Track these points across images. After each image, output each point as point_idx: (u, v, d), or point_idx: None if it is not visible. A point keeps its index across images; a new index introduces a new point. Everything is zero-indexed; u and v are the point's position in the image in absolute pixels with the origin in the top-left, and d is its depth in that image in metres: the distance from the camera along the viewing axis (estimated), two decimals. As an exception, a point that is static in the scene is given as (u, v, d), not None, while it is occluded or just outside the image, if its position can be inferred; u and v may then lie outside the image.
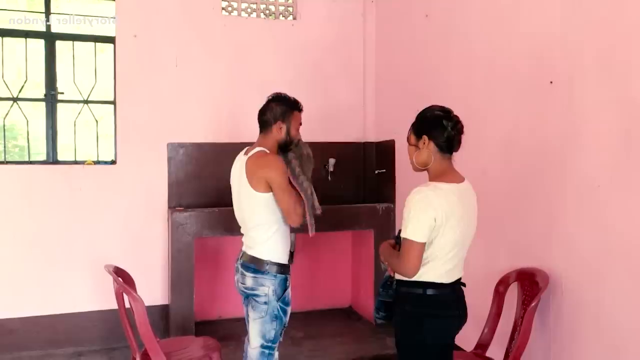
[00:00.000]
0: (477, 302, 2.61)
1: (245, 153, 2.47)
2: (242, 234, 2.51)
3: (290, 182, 2.41)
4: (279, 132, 2.45)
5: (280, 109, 2.45)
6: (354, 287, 4.76)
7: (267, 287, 2.36)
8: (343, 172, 4.53)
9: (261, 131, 2.49)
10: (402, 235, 1.95)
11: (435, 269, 2.00)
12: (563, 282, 2.49)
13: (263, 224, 2.38)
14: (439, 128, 2.01)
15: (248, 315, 2.44)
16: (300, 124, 2.52)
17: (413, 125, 2.09)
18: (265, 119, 2.46)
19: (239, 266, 2.45)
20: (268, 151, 2.41)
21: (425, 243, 1.94)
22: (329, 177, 4.49)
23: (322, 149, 4.45)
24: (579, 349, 2.41)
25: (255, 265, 2.38)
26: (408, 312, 2.05)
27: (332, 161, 4.48)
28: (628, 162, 2.16)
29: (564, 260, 2.50)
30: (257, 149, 2.43)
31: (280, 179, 2.34)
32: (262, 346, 2.38)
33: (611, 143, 2.24)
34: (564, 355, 2.49)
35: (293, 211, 2.35)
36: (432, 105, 2.10)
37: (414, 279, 2.00)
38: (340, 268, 4.75)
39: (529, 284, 2.60)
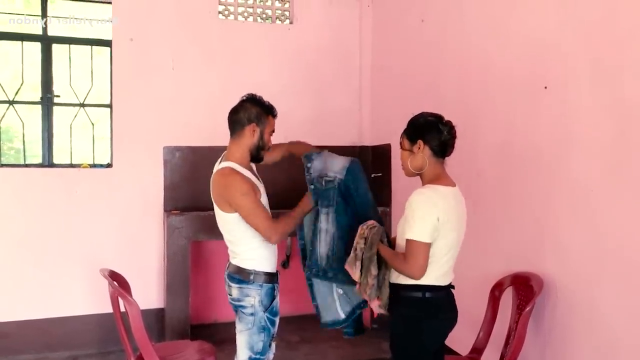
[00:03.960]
0: (473, 306, 2.63)
1: (219, 162, 2.33)
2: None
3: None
4: (251, 135, 2.27)
5: (255, 110, 2.28)
6: (349, 291, 4.75)
7: (253, 297, 2.24)
8: (339, 175, 4.53)
9: (232, 134, 2.31)
10: (408, 237, 1.96)
11: (433, 272, 2.02)
12: (557, 286, 2.49)
13: (240, 238, 2.27)
14: (434, 132, 2.04)
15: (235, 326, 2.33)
16: (273, 130, 2.36)
17: (406, 131, 2.13)
18: (238, 118, 2.28)
19: (226, 277, 2.35)
20: (235, 166, 2.24)
21: (430, 243, 1.95)
22: (325, 181, 4.49)
23: (318, 153, 4.47)
24: (573, 353, 2.41)
25: (240, 276, 2.27)
26: (404, 316, 2.06)
27: (328, 165, 4.47)
28: (621, 167, 2.17)
29: (558, 265, 2.51)
30: (224, 163, 2.27)
31: (244, 201, 2.16)
32: (251, 359, 2.26)
33: (604, 148, 2.25)
34: (558, 358, 2.49)
35: (268, 230, 2.17)
36: (423, 112, 2.13)
37: (413, 282, 2.01)
38: (336, 272, 4.74)
39: (524, 288, 2.61)
